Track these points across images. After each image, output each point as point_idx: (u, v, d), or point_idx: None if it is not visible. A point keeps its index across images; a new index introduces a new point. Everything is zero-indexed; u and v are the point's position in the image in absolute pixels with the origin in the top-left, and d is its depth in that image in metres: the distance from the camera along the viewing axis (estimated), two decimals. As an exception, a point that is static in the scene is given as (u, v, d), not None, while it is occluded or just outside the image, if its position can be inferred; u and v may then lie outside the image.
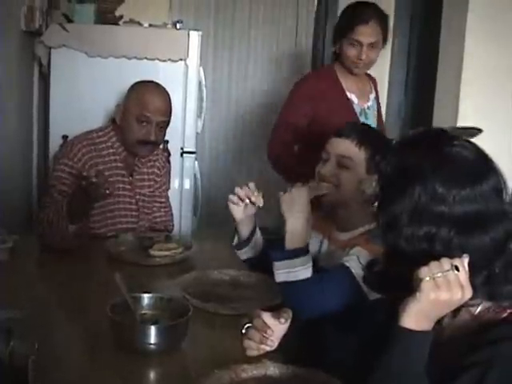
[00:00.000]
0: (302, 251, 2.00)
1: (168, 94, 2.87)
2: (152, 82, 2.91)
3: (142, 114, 2.76)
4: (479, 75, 3.76)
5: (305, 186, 2.06)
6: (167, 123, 2.87)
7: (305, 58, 5.38)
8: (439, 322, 1.29)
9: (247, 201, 2.15)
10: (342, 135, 2.14)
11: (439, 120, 4.03)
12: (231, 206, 2.19)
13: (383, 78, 5.00)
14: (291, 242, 2.00)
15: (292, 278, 1.96)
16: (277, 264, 2.00)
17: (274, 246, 2.08)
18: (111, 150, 2.84)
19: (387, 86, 5.12)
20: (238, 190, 2.16)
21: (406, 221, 1.29)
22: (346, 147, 2.12)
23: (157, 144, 2.89)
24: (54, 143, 3.49)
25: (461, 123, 3.80)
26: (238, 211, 2.19)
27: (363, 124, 2.20)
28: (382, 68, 3.61)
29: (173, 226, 3.09)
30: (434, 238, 1.27)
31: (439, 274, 1.21)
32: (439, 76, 4.04)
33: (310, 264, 2.00)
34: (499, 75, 3.58)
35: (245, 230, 2.25)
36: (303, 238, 2.02)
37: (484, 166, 1.31)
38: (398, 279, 1.33)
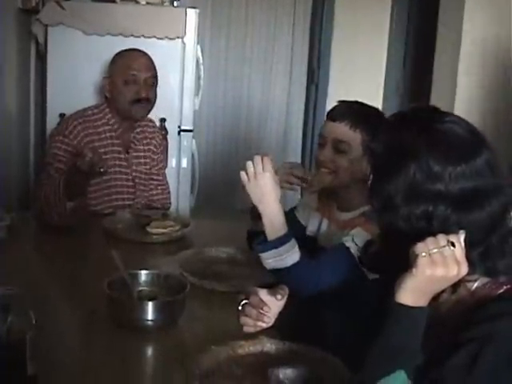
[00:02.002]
0: (285, 238, 1.93)
1: (148, 54, 2.91)
2: (130, 48, 2.95)
3: (127, 73, 2.81)
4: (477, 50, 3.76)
5: (265, 171, 1.91)
6: (155, 79, 2.89)
7: (302, 36, 5.35)
8: (436, 298, 1.29)
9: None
10: (336, 119, 2.07)
11: (437, 96, 4.04)
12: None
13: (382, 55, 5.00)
14: (272, 232, 1.93)
15: (282, 264, 1.92)
16: (263, 255, 1.94)
17: (255, 238, 2.03)
18: (107, 127, 2.84)
19: (385, 62, 5.11)
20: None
21: (401, 200, 1.28)
22: (341, 131, 2.05)
23: (150, 102, 2.89)
24: (52, 121, 3.48)
25: (459, 97, 3.80)
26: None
27: (356, 102, 2.11)
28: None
29: (170, 203, 3.11)
30: (432, 216, 1.26)
31: (435, 250, 1.21)
32: (437, 52, 4.04)
33: (297, 247, 1.94)
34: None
35: None
36: (282, 224, 1.94)
37: (476, 140, 1.30)
38: (394, 259, 1.32)
